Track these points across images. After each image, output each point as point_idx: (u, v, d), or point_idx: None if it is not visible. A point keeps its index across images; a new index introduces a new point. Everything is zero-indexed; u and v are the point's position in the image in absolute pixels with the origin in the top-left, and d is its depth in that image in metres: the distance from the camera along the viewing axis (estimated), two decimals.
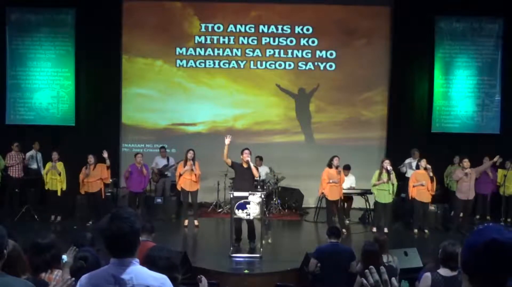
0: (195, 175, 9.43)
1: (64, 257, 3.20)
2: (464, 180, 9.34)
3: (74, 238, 4.05)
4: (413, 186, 9.30)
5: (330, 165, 9.26)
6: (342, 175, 9.32)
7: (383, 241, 5.63)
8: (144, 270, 2.34)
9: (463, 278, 1.70)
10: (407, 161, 10.69)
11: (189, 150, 9.50)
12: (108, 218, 2.32)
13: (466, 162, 9.36)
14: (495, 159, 9.75)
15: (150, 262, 2.83)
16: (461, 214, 9.55)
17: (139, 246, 2.37)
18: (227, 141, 7.93)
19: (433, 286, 3.91)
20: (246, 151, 8.07)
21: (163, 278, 2.34)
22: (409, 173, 10.21)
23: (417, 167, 9.53)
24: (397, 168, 10.58)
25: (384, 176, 9.24)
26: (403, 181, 10.44)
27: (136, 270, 2.30)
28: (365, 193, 10.24)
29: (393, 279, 1.76)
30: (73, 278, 2.61)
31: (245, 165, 8.00)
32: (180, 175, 9.51)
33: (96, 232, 3.35)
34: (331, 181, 9.18)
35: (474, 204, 10.23)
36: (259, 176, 10.14)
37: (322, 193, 9.37)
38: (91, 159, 9.50)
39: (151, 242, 4.90)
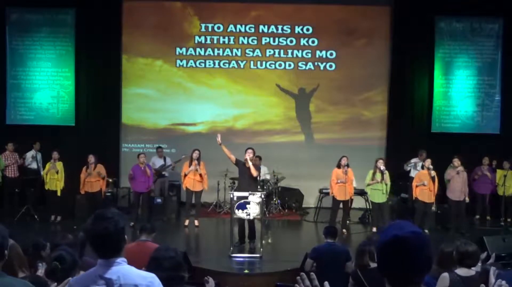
0: (200, 175, 9.45)
1: None
2: (456, 180, 9.35)
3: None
4: (416, 186, 9.32)
5: (339, 166, 9.29)
6: (349, 175, 9.31)
7: (375, 241, 5.63)
8: (132, 269, 2.32)
9: (384, 281, 1.67)
10: (413, 160, 10.65)
11: (194, 150, 9.55)
12: (92, 219, 2.31)
13: (456, 161, 9.37)
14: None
15: (156, 264, 2.82)
16: (457, 215, 9.54)
17: (125, 244, 2.35)
18: (218, 140, 8.05)
19: (452, 286, 3.89)
20: (249, 150, 8.12)
21: (151, 277, 2.33)
22: (414, 173, 10.20)
23: (422, 168, 9.55)
24: (404, 166, 10.58)
25: (378, 176, 9.26)
26: (405, 181, 10.44)
27: (123, 269, 2.29)
28: (364, 193, 10.24)
29: (326, 283, 1.76)
30: (67, 278, 2.61)
31: (247, 164, 8.03)
32: (185, 175, 9.54)
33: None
34: (338, 181, 9.20)
35: (474, 204, 10.24)
36: (259, 176, 10.16)
37: (333, 193, 9.37)
38: (91, 159, 9.54)
39: (151, 243, 4.90)
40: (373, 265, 4.93)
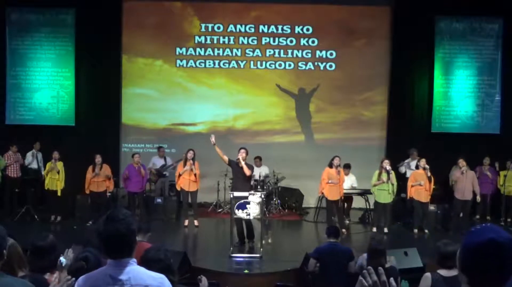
0: (195, 175, 9.45)
1: (63, 260, 3.18)
2: (462, 180, 9.34)
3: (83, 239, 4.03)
4: (412, 186, 9.32)
5: (330, 165, 9.28)
6: (342, 175, 9.31)
7: (379, 241, 5.65)
8: (142, 270, 2.34)
9: (462, 280, 1.68)
10: (406, 161, 10.68)
11: (189, 150, 9.52)
12: (104, 220, 2.31)
13: (461, 162, 9.37)
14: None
15: (144, 265, 2.82)
16: (461, 214, 9.53)
17: (136, 246, 2.36)
18: (212, 140, 8.07)
19: (434, 286, 3.89)
20: (242, 150, 8.14)
21: (161, 278, 2.34)
22: (409, 173, 10.20)
23: (417, 167, 9.54)
24: (396, 166, 10.58)
25: (384, 176, 9.24)
26: (403, 181, 10.44)
27: (134, 270, 2.29)
28: (365, 193, 10.24)
29: (391, 279, 1.75)
30: (73, 278, 2.60)
31: (240, 164, 8.03)
32: (180, 175, 9.53)
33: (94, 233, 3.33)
34: (330, 181, 9.19)
35: (474, 204, 10.24)
36: (259, 176, 10.16)
37: (322, 193, 9.39)
38: (99, 159, 9.59)
39: (147, 243, 4.89)
40: (387, 265, 4.94)
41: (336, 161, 9.21)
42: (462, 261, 1.67)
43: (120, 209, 2.38)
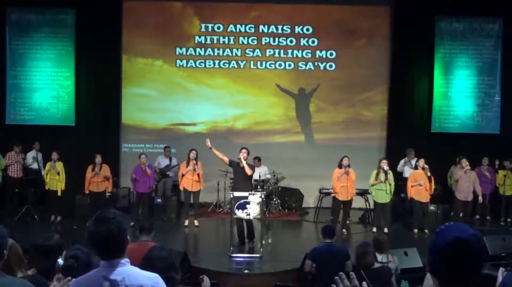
0: (198, 175, 9.45)
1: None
2: (465, 179, 9.34)
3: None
4: (412, 186, 9.31)
5: (340, 166, 9.26)
6: (351, 175, 9.29)
7: (382, 241, 5.64)
8: (136, 270, 2.31)
9: (433, 281, 1.67)
10: (402, 161, 10.67)
11: (191, 150, 9.52)
12: (93, 220, 2.28)
13: (464, 161, 9.38)
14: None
15: (148, 263, 2.82)
16: (461, 215, 9.53)
17: (128, 245, 2.34)
18: (208, 144, 8.07)
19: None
20: (243, 150, 8.14)
21: (156, 277, 2.32)
22: (407, 173, 10.19)
23: (415, 167, 9.54)
24: (398, 170, 10.57)
25: (382, 176, 9.24)
26: (403, 181, 10.44)
27: (128, 270, 2.27)
28: (365, 193, 10.24)
29: (364, 283, 1.75)
30: (73, 278, 2.60)
31: (241, 164, 8.03)
32: (183, 175, 9.53)
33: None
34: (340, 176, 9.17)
35: (474, 204, 10.25)
36: (259, 176, 10.16)
37: (336, 193, 9.33)
38: (99, 159, 9.59)
39: (152, 242, 4.89)
40: (376, 265, 4.94)
41: (345, 162, 9.19)
42: (430, 263, 1.65)
43: (109, 209, 2.36)
